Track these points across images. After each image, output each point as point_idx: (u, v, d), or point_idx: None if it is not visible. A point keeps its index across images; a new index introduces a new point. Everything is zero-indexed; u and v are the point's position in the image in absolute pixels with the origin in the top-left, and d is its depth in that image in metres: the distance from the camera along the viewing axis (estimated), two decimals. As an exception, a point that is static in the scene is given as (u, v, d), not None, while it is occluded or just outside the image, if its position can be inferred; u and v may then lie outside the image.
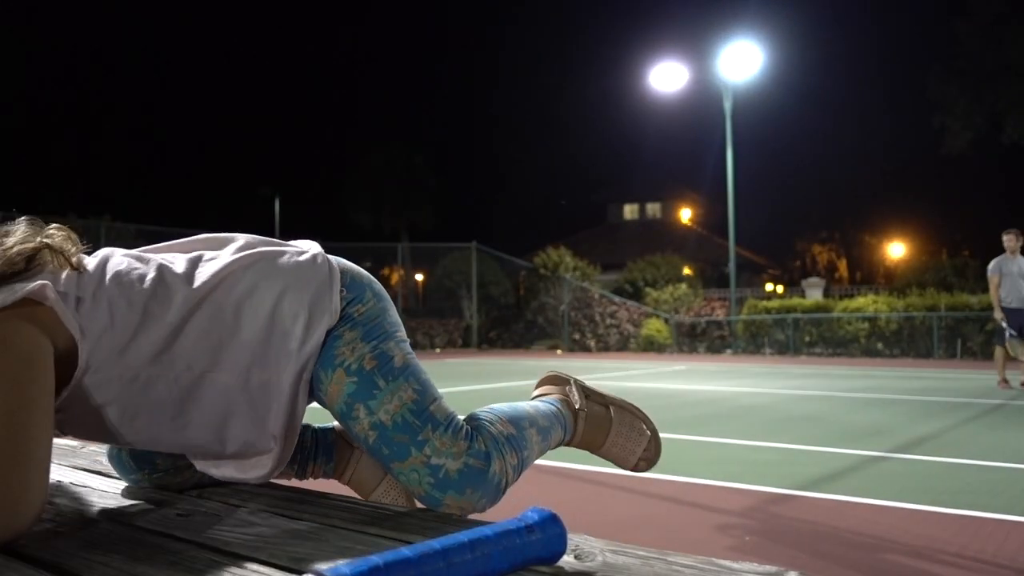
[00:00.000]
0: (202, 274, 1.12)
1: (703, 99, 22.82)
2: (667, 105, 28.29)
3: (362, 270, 1.26)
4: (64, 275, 1.04)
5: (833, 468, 3.89)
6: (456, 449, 1.16)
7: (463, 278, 21.89)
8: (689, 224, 37.96)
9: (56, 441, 1.65)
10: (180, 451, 1.18)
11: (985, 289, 11.26)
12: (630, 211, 39.16)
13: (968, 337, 15.29)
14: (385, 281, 25.14)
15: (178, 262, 1.15)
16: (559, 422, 1.39)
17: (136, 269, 1.11)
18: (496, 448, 1.19)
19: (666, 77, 21.07)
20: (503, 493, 1.21)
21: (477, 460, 1.16)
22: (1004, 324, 8.21)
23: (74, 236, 1.11)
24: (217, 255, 1.17)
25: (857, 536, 2.66)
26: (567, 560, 0.88)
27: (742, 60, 19.45)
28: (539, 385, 1.54)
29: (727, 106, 19.27)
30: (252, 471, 1.19)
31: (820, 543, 2.60)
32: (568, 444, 1.45)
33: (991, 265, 8.43)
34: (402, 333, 1.24)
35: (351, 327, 1.17)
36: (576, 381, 1.50)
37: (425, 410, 1.17)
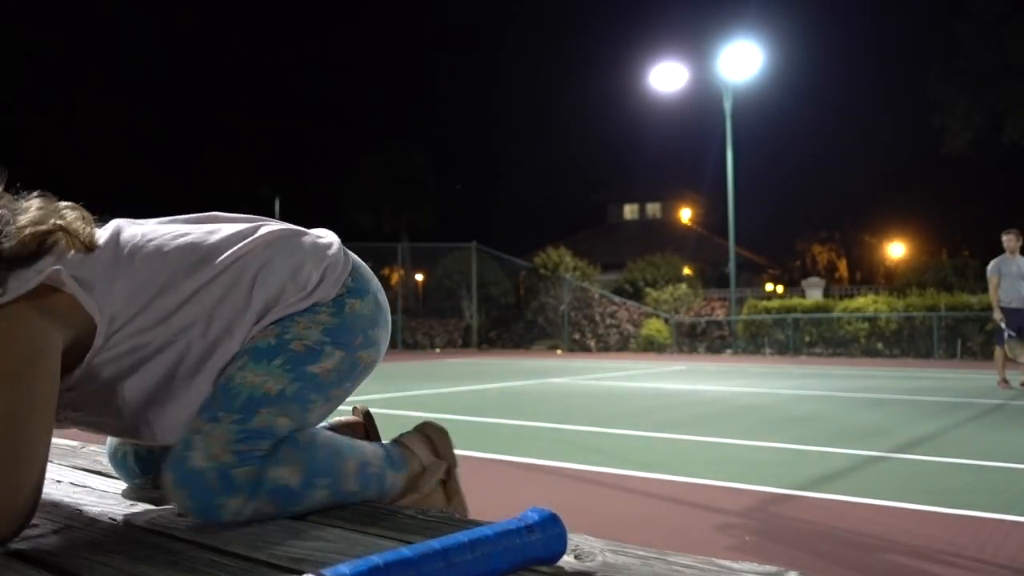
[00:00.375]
0: (220, 248, 1.12)
1: (703, 99, 22.88)
2: (667, 105, 28.34)
3: (375, 277, 1.24)
4: (78, 255, 1.03)
5: (833, 468, 3.89)
6: (218, 452, 1.01)
7: (463, 278, 21.90)
8: (689, 224, 37.94)
9: (56, 441, 1.65)
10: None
11: (985, 289, 11.26)
12: (630, 211, 39.13)
13: (968, 337, 15.30)
14: (385, 281, 25.13)
15: (195, 234, 1.14)
16: (377, 488, 1.17)
17: (152, 242, 1.10)
18: (251, 489, 1.02)
19: (666, 77, 21.10)
20: (220, 524, 1.03)
21: (217, 482, 1.00)
22: (1003, 325, 8.21)
23: (87, 215, 1.10)
24: (234, 228, 1.17)
25: (857, 536, 2.66)
26: (567, 560, 0.88)
27: (742, 60, 19.46)
28: (421, 430, 1.30)
29: (727, 106, 19.27)
30: None
31: (820, 543, 2.60)
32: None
33: (990, 266, 8.44)
34: (367, 355, 1.17)
35: (330, 313, 1.14)
36: (449, 470, 1.28)
37: (261, 404, 1.05)
